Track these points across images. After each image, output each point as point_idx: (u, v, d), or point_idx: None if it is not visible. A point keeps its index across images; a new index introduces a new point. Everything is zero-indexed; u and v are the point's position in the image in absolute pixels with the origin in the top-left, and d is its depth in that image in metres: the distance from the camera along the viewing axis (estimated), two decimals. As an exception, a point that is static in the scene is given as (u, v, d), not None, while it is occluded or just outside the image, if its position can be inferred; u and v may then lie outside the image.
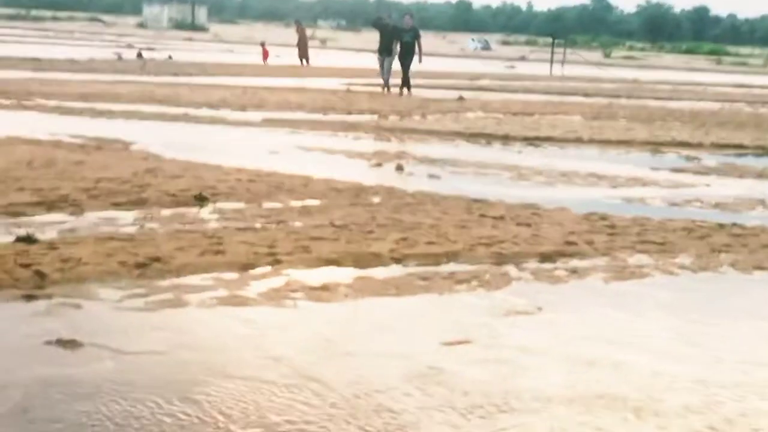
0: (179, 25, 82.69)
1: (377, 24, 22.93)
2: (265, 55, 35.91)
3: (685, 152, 13.52)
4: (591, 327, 5.20)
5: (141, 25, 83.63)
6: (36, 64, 26.32)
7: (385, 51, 22.27)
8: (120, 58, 32.27)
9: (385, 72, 22.39)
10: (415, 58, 22.02)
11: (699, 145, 14.24)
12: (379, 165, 11.07)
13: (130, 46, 43.39)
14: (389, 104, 18.97)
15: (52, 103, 15.92)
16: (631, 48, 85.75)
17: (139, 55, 33.51)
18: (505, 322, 5.21)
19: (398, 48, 22.01)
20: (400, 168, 10.88)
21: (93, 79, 22.11)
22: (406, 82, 22.12)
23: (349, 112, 17.30)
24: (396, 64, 22.19)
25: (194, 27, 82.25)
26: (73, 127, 12.74)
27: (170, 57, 34.52)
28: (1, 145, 10.67)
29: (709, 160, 12.84)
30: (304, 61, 34.16)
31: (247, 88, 21.49)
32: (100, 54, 33.79)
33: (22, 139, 11.31)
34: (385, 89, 22.34)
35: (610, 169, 11.30)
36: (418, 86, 25.65)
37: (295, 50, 34.67)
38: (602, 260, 6.68)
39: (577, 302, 5.69)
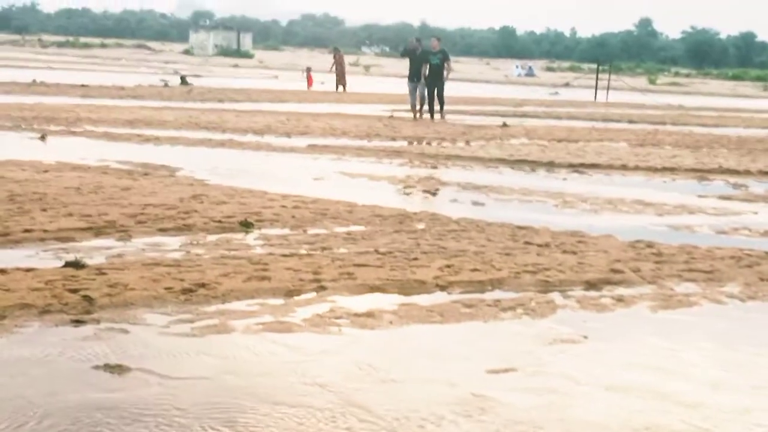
0: (225, 52, 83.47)
1: (405, 53, 23.29)
2: (310, 81, 36.17)
3: (732, 179, 13.39)
4: (637, 356, 5.15)
5: (187, 52, 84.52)
6: (84, 90, 26.70)
7: (414, 77, 22.53)
8: (166, 84, 32.62)
9: (415, 98, 22.61)
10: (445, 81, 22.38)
11: (746, 173, 14.11)
12: (423, 192, 11.08)
13: (176, 72, 43.88)
14: (433, 131, 19.01)
15: (100, 129, 16.13)
16: (676, 74, 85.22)
17: (183, 80, 33.79)
18: (550, 350, 5.18)
19: (426, 71, 22.16)
20: (434, 193, 10.89)
21: (140, 105, 22.39)
22: (441, 104, 22.44)
23: (393, 139, 17.37)
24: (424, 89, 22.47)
25: (239, 54, 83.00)
26: (120, 154, 12.90)
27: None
28: (51, 171, 10.82)
29: (757, 187, 12.72)
30: (341, 87, 34.42)
31: (292, 114, 21.64)
32: (147, 80, 34.19)
33: (71, 165, 11.47)
34: (418, 115, 22.52)
35: (656, 197, 11.23)
36: (461, 112, 25.72)
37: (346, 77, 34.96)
38: (649, 288, 6.63)
39: (623, 331, 5.64)
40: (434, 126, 20.32)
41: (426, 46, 23.11)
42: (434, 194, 10.97)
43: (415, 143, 16.74)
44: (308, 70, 37.94)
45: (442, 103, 22.63)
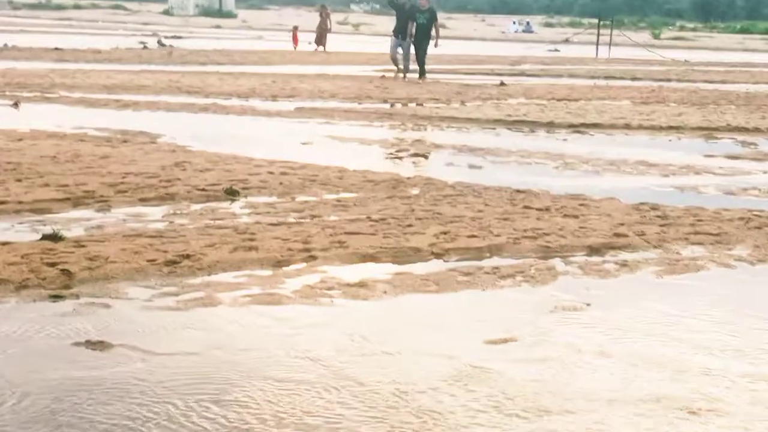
0: (206, 12, 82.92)
1: (392, 4, 22.77)
2: (296, 40, 35.98)
3: (741, 137, 13.41)
4: (642, 323, 5.17)
5: (166, 12, 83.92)
6: (59, 54, 26.54)
7: (400, 33, 21.98)
8: (145, 46, 32.43)
9: (403, 57, 22.12)
10: (432, 43, 21.81)
11: (755, 130, 14.12)
12: (416, 155, 11.06)
13: (155, 34, 43.63)
14: (426, 91, 18.95)
15: (76, 95, 16.05)
16: (681, 28, 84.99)
17: (160, 43, 33.53)
18: (551, 319, 5.20)
19: (413, 30, 21.63)
20: (428, 156, 10.88)
21: (117, 69, 22.27)
22: (421, 68, 21.91)
23: (385, 100, 17.32)
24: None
25: (222, 13, 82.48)
26: (97, 120, 12.85)
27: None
28: (25, 139, 10.78)
29: (767, 145, 12.72)
30: (320, 47, 34.25)
31: (278, 76, 21.56)
32: (125, 43, 33.99)
33: (47, 132, 11.42)
34: (402, 75, 22.13)
35: (661, 157, 11.24)
36: (456, 72, 25.64)
37: (327, 36, 34.78)
38: (654, 253, 6.65)
39: (627, 297, 5.66)
40: (428, 86, 20.26)
41: (415, 2, 22.50)
42: (428, 158, 10.95)
43: (408, 104, 16.69)
44: (295, 29, 37.74)
45: (423, 64, 22.03)
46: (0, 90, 16.38)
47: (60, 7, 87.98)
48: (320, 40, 34.56)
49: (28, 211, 7.23)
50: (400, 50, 22.30)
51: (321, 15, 35.26)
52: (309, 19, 57.09)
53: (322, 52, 33.55)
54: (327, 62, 28.20)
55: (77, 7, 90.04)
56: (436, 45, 21.87)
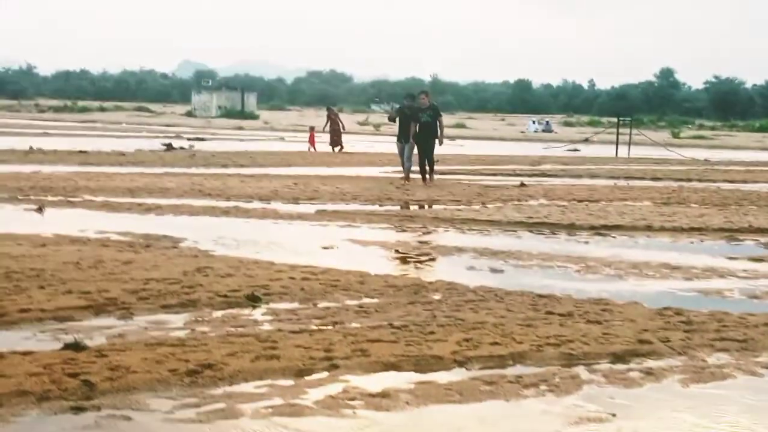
0: (228, 113, 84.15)
1: (393, 118, 22.51)
2: (312, 141, 36.34)
3: (764, 239, 13.36)
4: (670, 435, 5.09)
5: (189, 114, 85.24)
6: (83, 157, 26.88)
7: (403, 137, 21.59)
8: (170, 147, 32.77)
9: (405, 158, 21.62)
10: (436, 141, 21.12)
11: (778, 231, 14.07)
12: (438, 259, 11.07)
13: (178, 136, 44.22)
14: (447, 193, 19.04)
15: (100, 198, 16.21)
16: (700, 127, 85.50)
17: (167, 146, 33.68)
18: (576, 430, 5.14)
19: (416, 129, 21.11)
20: (450, 260, 10.87)
21: (140, 171, 22.52)
22: (429, 167, 21.29)
23: (406, 202, 17.42)
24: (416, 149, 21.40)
25: (244, 114, 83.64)
26: (120, 224, 12.95)
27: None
28: (49, 244, 10.86)
29: (790, 247, 12.67)
30: (336, 148, 34.70)
31: (299, 178, 21.73)
32: (148, 145, 34.43)
33: (70, 237, 11.51)
34: (405, 179, 21.46)
35: (684, 260, 11.20)
36: (476, 172, 25.79)
37: (345, 137, 35.28)
38: (679, 360, 6.59)
39: (653, 407, 5.60)
40: (448, 188, 20.35)
41: (414, 103, 21.87)
42: (450, 261, 10.95)
43: (429, 207, 16.77)
44: (312, 129, 38.18)
45: (431, 165, 21.42)
46: (25, 194, 16.57)
47: (85, 110, 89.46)
48: (336, 141, 35.02)
49: (51, 319, 7.25)
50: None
51: (329, 117, 35.85)
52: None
53: (341, 152, 33.89)
54: (348, 163, 28.45)
55: (102, 109, 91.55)
56: (440, 143, 21.32)
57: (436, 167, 22.08)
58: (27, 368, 5.74)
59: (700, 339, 7.13)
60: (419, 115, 21.19)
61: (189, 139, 38.50)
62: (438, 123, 21.11)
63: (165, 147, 32.90)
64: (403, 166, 21.97)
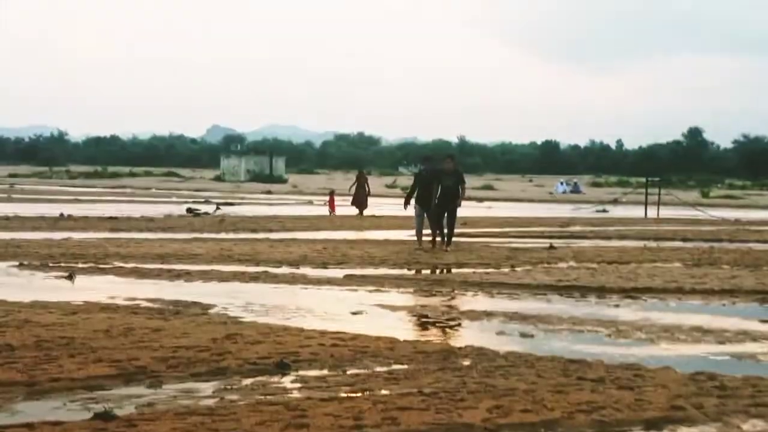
0: (257, 177, 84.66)
1: (409, 200, 21.36)
2: (332, 205, 36.51)
3: (797, 301, 13.23)
4: (705, 505, 5.03)
5: (218, 178, 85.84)
6: (113, 223, 27.09)
7: (424, 201, 20.64)
8: (194, 213, 33.01)
9: (418, 222, 20.84)
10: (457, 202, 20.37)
11: (812, 293, 13.93)
12: (467, 324, 11.04)
13: (207, 201, 44.51)
14: (476, 256, 19.02)
15: (129, 265, 16.31)
16: (730, 186, 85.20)
17: (189, 210, 34.05)
18: (610, 500, 5.08)
19: (438, 193, 20.38)
20: (479, 325, 10.82)
21: (170, 237, 22.65)
22: (450, 232, 20.51)
23: (435, 266, 17.41)
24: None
25: (272, 178, 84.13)
26: (150, 291, 13.02)
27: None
28: (79, 312, 10.92)
29: (824, 308, 12.55)
30: (361, 212, 34.86)
31: (328, 242, 21.78)
32: (177, 210, 34.65)
33: (100, 305, 11.59)
34: (420, 243, 20.72)
35: (716, 323, 11.12)
36: (505, 235, 25.77)
37: (373, 200, 35.49)
38: (713, 427, 6.53)
39: (688, 476, 5.52)
40: (477, 251, 20.33)
41: (435, 166, 21.28)
42: (479, 326, 10.91)
43: (459, 270, 16.74)
44: (331, 193, 38.35)
45: (451, 231, 20.57)
46: (56, 261, 16.69)
47: (115, 175, 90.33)
48: (361, 204, 35.21)
49: (81, 388, 7.27)
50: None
51: (358, 179, 36.04)
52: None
53: (368, 216, 33.98)
54: (376, 227, 28.51)
55: (132, 174, 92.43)
56: (459, 205, 20.57)
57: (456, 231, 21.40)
58: (57, 439, 5.75)
59: (734, 405, 7.06)
60: (442, 178, 20.53)
61: (217, 205, 38.67)
62: (461, 188, 20.55)
63: (188, 212, 33.16)
64: (417, 231, 20.94)
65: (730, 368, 8.47)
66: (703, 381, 7.84)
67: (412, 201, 21.18)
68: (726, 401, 7.16)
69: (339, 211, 35.65)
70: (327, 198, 38.13)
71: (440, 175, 20.66)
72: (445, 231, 20.49)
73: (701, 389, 7.54)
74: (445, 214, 20.45)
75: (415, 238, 21.15)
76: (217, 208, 35.28)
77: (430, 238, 20.74)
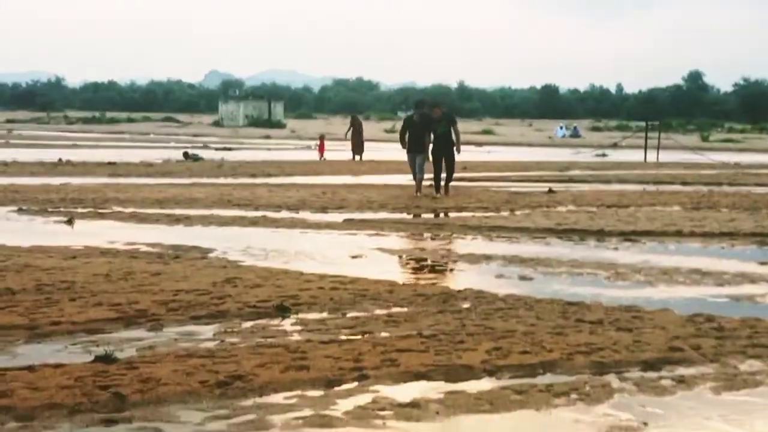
0: (255, 122, 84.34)
1: (403, 136, 20.48)
2: (322, 149, 36.36)
3: (796, 243, 13.25)
4: (702, 443, 5.07)
5: (217, 124, 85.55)
6: (112, 168, 27.07)
7: (415, 148, 20.13)
8: (188, 156, 32.81)
9: (417, 171, 20.12)
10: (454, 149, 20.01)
11: (810, 235, 13.95)
12: (467, 267, 11.06)
13: (205, 146, 44.42)
14: (476, 200, 19.01)
15: (129, 210, 16.30)
16: (730, 130, 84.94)
17: (186, 155, 33.53)
18: (608, 439, 5.12)
19: (431, 139, 19.94)
20: (478, 268, 10.85)
21: (169, 182, 22.63)
22: (448, 178, 20.13)
23: (434, 210, 17.41)
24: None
25: (271, 123, 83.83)
26: (150, 236, 13.02)
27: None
28: (79, 256, 10.94)
29: (822, 251, 12.57)
30: (357, 156, 34.70)
31: (327, 186, 21.78)
32: (176, 155, 34.57)
33: (100, 249, 11.60)
34: (417, 191, 20.13)
35: (715, 265, 11.14)
36: (504, 179, 25.74)
37: (372, 144, 35.36)
38: (711, 367, 6.55)
39: (685, 415, 5.57)
40: (476, 195, 20.32)
41: (428, 112, 20.43)
42: (479, 269, 10.93)
43: (458, 214, 16.74)
44: (321, 138, 38.08)
45: (449, 177, 20.16)
46: (55, 206, 16.70)
47: (113, 121, 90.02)
48: (357, 149, 35.02)
49: (82, 332, 7.30)
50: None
51: (353, 125, 35.80)
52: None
53: (362, 161, 33.80)
54: (375, 172, 28.46)
55: (130, 120, 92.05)
56: (458, 150, 20.26)
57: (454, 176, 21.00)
58: (58, 381, 5.79)
59: (732, 346, 7.09)
60: (433, 125, 20.00)
61: (217, 149, 38.30)
62: (453, 131, 20.04)
63: (185, 157, 32.91)
64: (414, 177, 20.39)
65: (729, 310, 8.49)
66: (702, 322, 7.87)
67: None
68: (724, 342, 7.19)
69: (330, 156, 35.55)
70: (318, 143, 37.82)
71: (431, 122, 20.06)
72: (443, 176, 20.09)
73: (699, 331, 7.56)
74: (443, 161, 20.01)
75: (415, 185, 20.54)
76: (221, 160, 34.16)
77: (431, 184, 20.42)
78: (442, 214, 16.98)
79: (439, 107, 20.71)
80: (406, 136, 20.28)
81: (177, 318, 7.81)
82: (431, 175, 20.19)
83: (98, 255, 11.16)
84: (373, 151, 36.10)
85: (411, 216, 16.59)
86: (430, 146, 20.04)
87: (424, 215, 16.83)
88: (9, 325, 7.38)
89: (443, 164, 20.08)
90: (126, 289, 8.83)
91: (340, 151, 36.53)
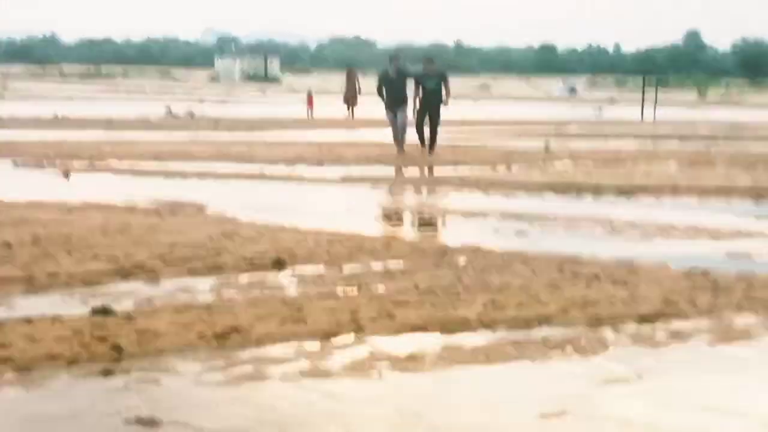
0: (252, 78, 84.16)
1: (381, 83, 19.49)
2: (310, 103, 36.13)
3: (792, 199, 13.27)
4: (696, 395, 5.11)
5: (213, 79, 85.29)
6: (107, 124, 27.00)
7: (393, 104, 19.24)
8: (193, 116, 32.75)
9: (399, 129, 19.25)
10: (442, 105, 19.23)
11: (806, 192, 13.96)
12: (463, 222, 11.07)
13: (201, 101, 44.30)
14: (472, 156, 18.99)
15: (125, 164, 16.30)
16: (728, 86, 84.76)
17: (169, 112, 33.01)
18: (603, 391, 5.15)
19: (420, 94, 18.99)
20: (475, 223, 10.86)
21: (165, 137, 22.58)
22: (433, 136, 19.25)
23: (431, 165, 17.40)
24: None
25: (267, 79, 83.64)
26: (146, 190, 13.02)
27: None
28: (75, 210, 10.93)
29: (818, 207, 12.59)
30: (350, 109, 34.37)
31: (324, 143, 21.74)
32: (173, 111, 34.46)
33: (96, 204, 11.58)
34: (401, 150, 19.27)
35: (711, 221, 11.15)
36: (502, 133, 25.70)
37: (368, 98, 35.13)
38: (706, 321, 6.57)
39: (680, 368, 5.60)
40: (474, 151, 20.30)
41: (404, 65, 19.96)
42: (475, 225, 10.94)
43: (455, 169, 16.73)
44: (309, 93, 37.72)
45: (434, 135, 19.24)
46: (51, 160, 16.66)
47: (108, 75, 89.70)
48: (352, 102, 34.68)
49: (79, 284, 7.30)
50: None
51: (349, 77, 35.35)
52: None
53: (352, 117, 33.46)
54: (371, 126, 28.38)
55: (125, 75, 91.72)
56: (446, 103, 19.32)
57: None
58: (56, 333, 5.81)
59: (727, 300, 7.10)
60: (425, 80, 19.13)
61: (191, 113, 35.93)
62: (445, 87, 19.13)
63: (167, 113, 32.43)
64: (395, 137, 19.44)
65: (724, 265, 8.50)
66: (697, 277, 7.87)
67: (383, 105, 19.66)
68: (719, 296, 7.20)
69: (325, 112, 35.38)
70: (306, 99, 37.45)
71: (421, 77, 19.28)
72: (427, 135, 19.22)
73: (695, 285, 7.58)
74: (430, 119, 19.16)
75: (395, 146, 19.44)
76: (191, 114, 32.92)
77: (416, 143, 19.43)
78: (438, 169, 16.94)
79: (433, 61, 19.81)
80: (383, 91, 19.40)
81: (174, 271, 7.80)
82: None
83: (95, 209, 11.14)
84: (370, 106, 35.91)
85: (407, 171, 16.57)
86: (417, 100, 19.10)
87: (420, 171, 16.80)
88: (6, 278, 7.37)
89: (428, 120, 19.15)
90: (123, 243, 8.81)
91: (334, 107, 36.33)
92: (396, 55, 20.55)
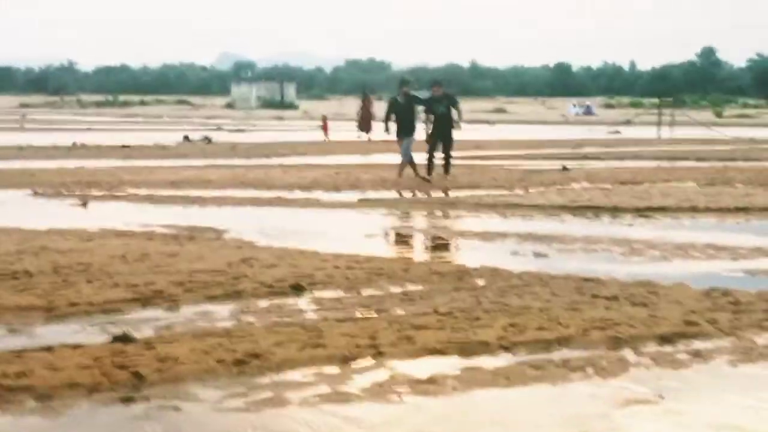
0: (268, 104, 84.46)
1: (390, 111, 19.29)
2: (326, 129, 36.32)
3: (811, 217, 13.20)
4: (718, 416, 5.08)
5: (229, 106, 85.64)
6: (126, 152, 27.13)
7: (403, 131, 18.97)
8: (209, 141, 32.84)
9: (403, 154, 18.91)
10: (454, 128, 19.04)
11: (825, 210, 13.90)
12: (481, 245, 11.06)
13: (219, 128, 44.47)
14: (489, 178, 19.00)
15: (143, 192, 16.35)
16: (744, 105, 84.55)
17: (186, 138, 33.59)
18: (624, 412, 5.13)
19: (431, 119, 18.99)
20: (493, 246, 10.84)
21: (183, 164, 22.67)
22: (447, 160, 18.99)
23: (446, 189, 17.40)
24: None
25: (283, 105, 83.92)
26: (165, 217, 13.05)
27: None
28: (95, 238, 10.97)
29: (838, 225, 12.52)
30: (364, 134, 34.59)
31: (341, 167, 21.78)
32: (191, 137, 34.58)
33: (115, 231, 11.62)
34: (399, 174, 18.85)
35: (730, 240, 11.11)
36: (518, 157, 25.69)
37: (376, 124, 35.31)
38: (727, 341, 6.55)
39: (701, 389, 5.57)
40: (491, 173, 20.30)
41: (411, 92, 19.78)
42: (494, 247, 10.93)
43: (472, 192, 16.72)
44: (324, 118, 37.95)
45: (448, 158, 19.01)
46: (70, 189, 16.74)
47: (126, 104, 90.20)
48: (366, 126, 34.92)
49: (99, 313, 7.33)
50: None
51: (364, 103, 35.64)
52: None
53: (369, 140, 33.62)
54: (388, 151, 28.39)
55: (143, 103, 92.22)
56: (459, 127, 19.21)
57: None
58: (77, 361, 5.82)
59: (748, 319, 7.08)
60: (434, 105, 19.01)
61: (206, 138, 35.87)
62: (456, 111, 19.02)
63: (185, 139, 32.69)
64: (407, 162, 18.87)
65: (745, 284, 8.48)
66: (717, 297, 7.85)
67: (393, 128, 19.23)
68: (740, 316, 7.17)
69: (341, 136, 35.47)
70: (321, 123, 37.64)
71: (431, 102, 19.18)
72: (439, 156, 18.92)
73: (715, 305, 7.55)
74: (442, 143, 18.97)
75: (413, 172, 18.79)
76: (206, 140, 33.18)
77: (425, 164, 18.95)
78: (454, 192, 16.93)
79: (440, 85, 19.52)
80: (392, 118, 19.15)
81: (193, 298, 7.83)
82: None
83: (114, 237, 11.19)
84: (378, 133, 35.98)
85: (424, 195, 16.57)
86: (427, 126, 19.06)
87: (438, 194, 16.81)
88: (27, 307, 7.41)
89: (440, 146, 18.98)
90: (142, 270, 8.85)
91: (350, 132, 36.45)
92: (404, 82, 20.41)
